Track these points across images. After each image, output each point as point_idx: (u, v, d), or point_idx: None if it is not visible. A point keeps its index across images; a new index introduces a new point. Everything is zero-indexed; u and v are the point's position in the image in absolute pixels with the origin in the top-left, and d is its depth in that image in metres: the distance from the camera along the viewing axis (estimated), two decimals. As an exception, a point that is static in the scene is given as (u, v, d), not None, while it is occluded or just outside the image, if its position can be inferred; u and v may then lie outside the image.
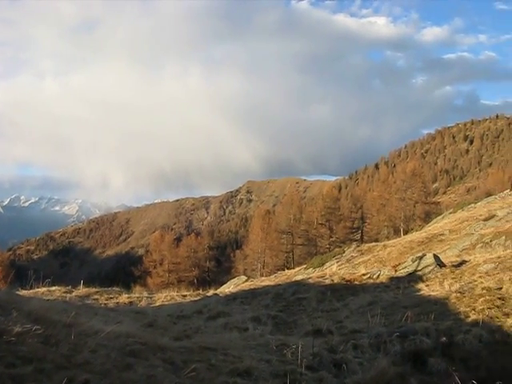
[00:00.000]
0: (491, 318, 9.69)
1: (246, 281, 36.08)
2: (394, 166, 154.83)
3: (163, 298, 21.15)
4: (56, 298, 18.10)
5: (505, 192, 55.35)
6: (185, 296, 21.90)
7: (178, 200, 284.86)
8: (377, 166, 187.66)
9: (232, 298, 18.78)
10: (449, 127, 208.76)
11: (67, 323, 7.57)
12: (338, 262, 38.11)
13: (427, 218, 65.44)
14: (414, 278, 16.38)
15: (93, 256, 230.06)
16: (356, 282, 17.77)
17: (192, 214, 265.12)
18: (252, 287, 23.48)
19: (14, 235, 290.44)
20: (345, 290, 16.67)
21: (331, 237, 72.39)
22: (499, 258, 16.27)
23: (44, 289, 19.71)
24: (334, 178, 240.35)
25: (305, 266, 44.70)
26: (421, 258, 17.87)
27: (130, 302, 20.03)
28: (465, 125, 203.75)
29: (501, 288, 11.64)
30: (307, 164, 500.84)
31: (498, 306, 10.20)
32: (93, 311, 13.35)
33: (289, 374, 6.75)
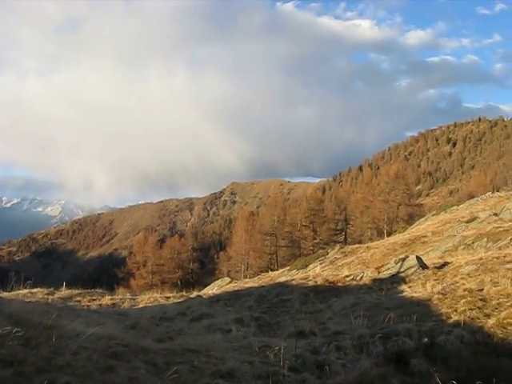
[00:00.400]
0: (472, 318, 9.76)
1: (230, 282, 36.06)
2: (378, 168, 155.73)
3: (146, 299, 21.04)
4: (38, 300, 17.92)
5: (487, 194, 55.91)
6: (168, 298, 21.80)
7: (161, 201, 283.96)
8: (360, 168, 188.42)
9: (215, 299, 18.73)
10: (432, 130, 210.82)
11: (48, 325, 7.51)
12: (321, 264, 38.23)
13: (410, 220, 65.83)
14: (396, 279, 16.46)
15: (76, 257, 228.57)
16: (339, 284, 17.80)
17: (176, 215, 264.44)
18: (235, 289, 23.44)
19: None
20: (328, 291, 16.70)
21: (315, 238, 72.52)
22: (481, 259, 16.43)
23: (25, 291, 19.51)
24: (317, 180, 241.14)
25: (288, 267, 44.84)
26: (404, 259, 17.97)
27: (113, 304, 19.88)
28: (448, 128, 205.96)
29: (482, 289, 11.74)
30: (291, 166, 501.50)
31: (479, 307, 10.29)
32: (75, 313, 13.24)
33: (271, 375, 6.75)
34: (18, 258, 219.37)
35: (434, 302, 11.45)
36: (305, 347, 8.58)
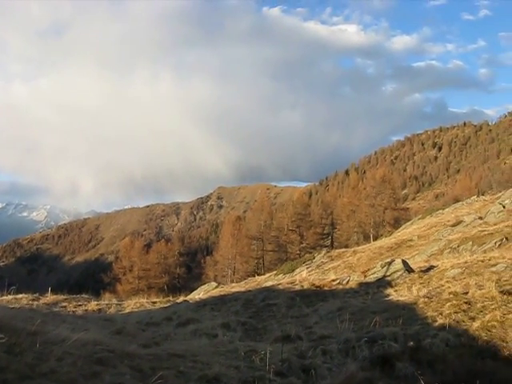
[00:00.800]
0: (458, 322, 9.81)
1: (217, 287, 35.93)
2: (364, 172, 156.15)
3: (133, 304, 20.95)
4: (22, 305, 17.78)
5: (472, 198, 56.26)
6: (155, 303, 21.74)
7: (148, 206, 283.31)
8: (347, 173, 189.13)
9: (202, 304, 18.67)
10: (418, 134, 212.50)
11: (32, 331, 7.44)
12: (308, 268, 38.29)
13: (396, 223, 66.09)
14: (382, 283, 16.50)
15: (61, 263, 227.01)
16: (325, 288, 17.83)
17: (162, 220, 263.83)
18: (222, 293, 23.37)
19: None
20: (314, 295, 16.71)
21: (301, 243, 72.57)
22: (466, 263, 16.50)
23: (10, 296, 19.39)
24: (304, 185, 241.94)
25: (275, 272, 44.82)
26: (390, 263, 18.03)
27: (99, 310, 19.79)
28: (433, 132, 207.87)
29: (467, 292, 11.79)
30: (278, 170, 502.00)
31: (464, 311, 10.34)
32: (60, 319, 13.14)
33: (257, 380, 6.75)
34: (2, 264, 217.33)
35: (420, 306, 11.50)
36: (291, 351, 8.57)
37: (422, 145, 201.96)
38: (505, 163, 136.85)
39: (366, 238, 64.95)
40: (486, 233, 27.85)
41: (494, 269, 14.57)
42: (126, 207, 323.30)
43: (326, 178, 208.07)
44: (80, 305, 20.47)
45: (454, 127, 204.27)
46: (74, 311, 18.78)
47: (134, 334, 11.74)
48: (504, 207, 32.86)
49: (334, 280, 18.79)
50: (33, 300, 20.13)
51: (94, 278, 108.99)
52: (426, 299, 11.91)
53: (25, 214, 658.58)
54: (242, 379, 6.96)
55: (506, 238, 24.77)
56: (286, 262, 52.67)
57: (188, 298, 25.15)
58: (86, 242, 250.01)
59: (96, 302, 21.44)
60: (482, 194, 63.43)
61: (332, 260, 41.29)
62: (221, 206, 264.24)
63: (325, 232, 79.86)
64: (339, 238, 77.04)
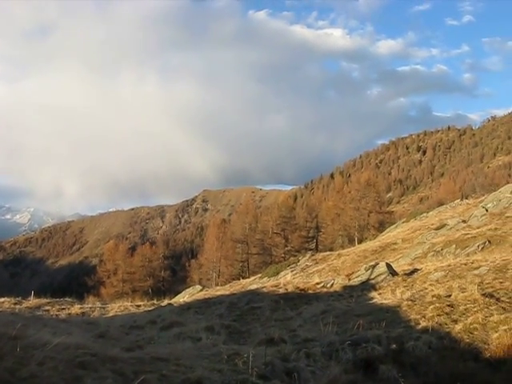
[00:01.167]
0: (440, 324, 9.88)
1: (201, 290, 35.91)
2: (349, 175, 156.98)
3: (117, 308, 20.87)
4: (4, 309, 17.64)
5: (456, 201, 56.65)
6: (139, 306, 21.66)
7: (132, 209, 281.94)
8: (332, 176, 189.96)
9: (186, 307, 18.62)
10: (402, 138, 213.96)
11: (13, 336, 7.36)
12: (292, 271, 38.32)
13: (381, 227, 66.38)
14: (367, 286, 16.56)
15: (45, 266, 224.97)
16: (310, 291, 17.85)
17: (147, 223, 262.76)
18: (207, 297, 23.34)
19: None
20: (298, 298, 16.72)
21: (286, 246, 72.58)
22: (449, 266, 16.65)
23: (-8, 300, 19.21)
24: (289, 188, 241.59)
25: (260, 275, 44.80)
26: (374, 266, 18.11)
27: (83, 313, 19.67)
28: (418, 136, 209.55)
29: (450, 295, 11.89)
30: (263, 173, 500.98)
31: (447, 313, 10.42)
32: (42, 323, 13.03)
33: (240, 383, 6.73)
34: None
35: (403, 309, 11.55)
36: (274, 354, 8.56)
37: (407, 148, 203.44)
38: (488, 167, 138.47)
39: (351, 241, 65.13)
40: (469, 236, 28.03)
41: (476, 272, 14.70)
42: (110, 210, 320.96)
43: (311, 182, 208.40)
44: (63, 308, 20.33)
45: (439, 131, 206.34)
46: (57, 315, 18.62)
47: (118, 337, 11.68)
48: (487, 211, 33.12)
49: (318, 283, 18.81)
50: (15, 304, 19.95)
51: (78, 281, 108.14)
52: (410, 302, 11.97)
53: (8, 216, 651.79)
54: (224, 382, 6.93)
55: (489, 242, 24.98)
56: (270, 265, 52.63)
57: (172, 301, 25.06)
58: (70, 245, 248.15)
59: (79, 306, 21.32)
60: (466, 198, 63.93)
61: (317, 263, 41.34)
62: (206, 209, 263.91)
63: (309, 235, 79.95)
64: (324, 241, 77.15)
